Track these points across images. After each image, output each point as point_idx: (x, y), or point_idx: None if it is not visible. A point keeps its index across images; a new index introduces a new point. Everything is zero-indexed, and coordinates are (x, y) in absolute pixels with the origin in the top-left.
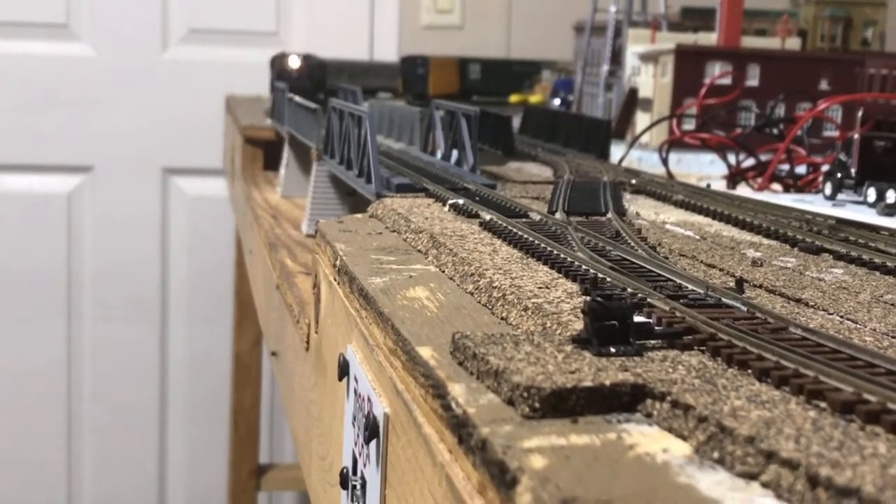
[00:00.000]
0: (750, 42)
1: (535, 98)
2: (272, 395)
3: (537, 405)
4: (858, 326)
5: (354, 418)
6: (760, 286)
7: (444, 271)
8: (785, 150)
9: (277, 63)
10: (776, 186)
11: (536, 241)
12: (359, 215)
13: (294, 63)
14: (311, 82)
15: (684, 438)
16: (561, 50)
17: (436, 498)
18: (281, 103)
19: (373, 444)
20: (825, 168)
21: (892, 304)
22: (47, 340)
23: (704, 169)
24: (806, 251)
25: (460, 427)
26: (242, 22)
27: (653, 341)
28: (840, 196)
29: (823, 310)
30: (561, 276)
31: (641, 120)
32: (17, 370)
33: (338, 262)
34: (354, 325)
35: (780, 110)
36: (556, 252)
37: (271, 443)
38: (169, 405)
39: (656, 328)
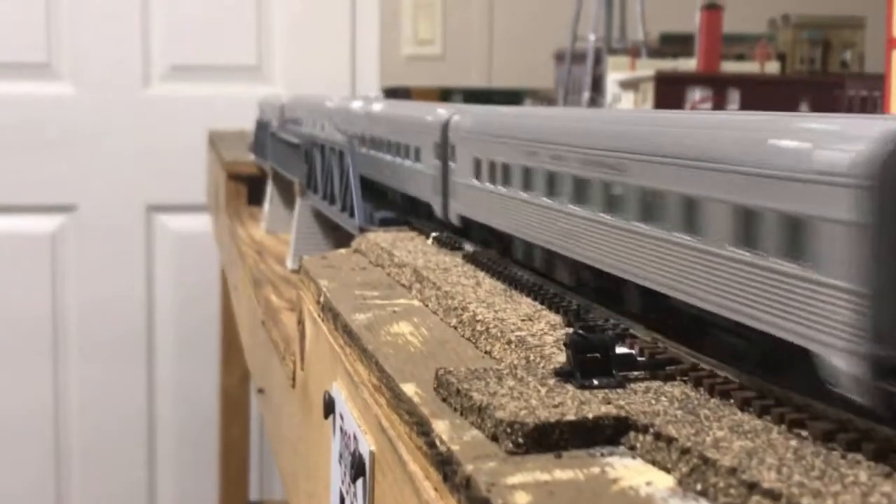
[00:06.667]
0: (729, 67)
1: None
2: (261, 431)
3: (521, 440)
4: None
5: (341, 456)
6: None
7: (427, 305)
8: None
9: None
10: None
11: (519, 273)
12: (342, 250)
13: None
14: None
15: (668, 471)
16: (542, 78)
17: None
18: (264, 138)
19: (359, 482)
20: None
21: None
22: (34, 382)
23: None
24: None
25: (445, 464)
26: (223, 57)
27: (635, 372)
28: None
29: None
30: (544, 307)
31: None
32: (3, 412)
33: (322, 299)
34: (339, 362)
35: None
36: (538, 283)
37: (261, 479)
38: (157, 444)
39: (639, 359)
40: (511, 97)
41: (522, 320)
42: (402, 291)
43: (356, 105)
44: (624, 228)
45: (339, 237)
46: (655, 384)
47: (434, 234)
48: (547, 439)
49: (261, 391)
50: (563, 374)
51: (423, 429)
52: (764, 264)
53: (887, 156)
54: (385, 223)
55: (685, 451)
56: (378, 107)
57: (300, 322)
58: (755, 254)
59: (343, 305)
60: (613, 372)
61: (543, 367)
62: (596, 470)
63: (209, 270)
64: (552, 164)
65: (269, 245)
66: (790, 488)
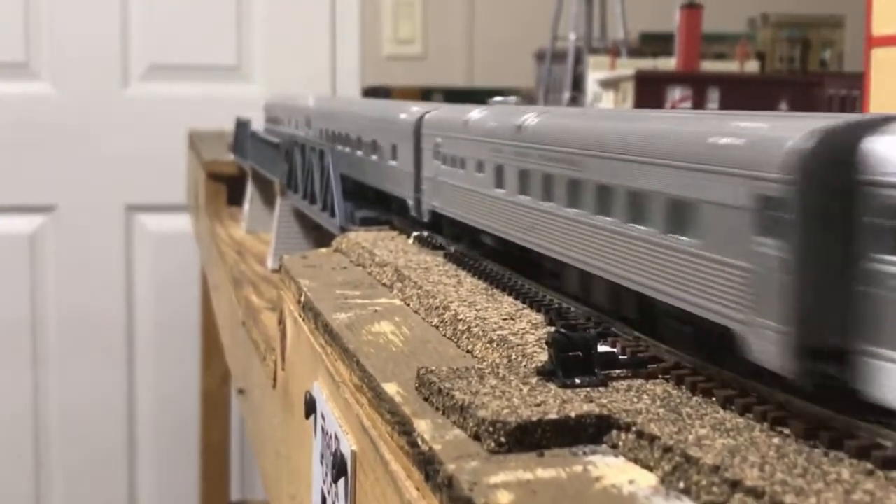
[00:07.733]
0: (709, 66)
1: None
2: (242, 431)
3: (503, 439)
4: None
5: (322, 456)
6: None
7: (409, 305)
8: None
9: None
10: None
11: (500, 272)
12: (323, 250)
13: None
14: None
15: (650, 469)
16: (523, 77)
17: None
18: (244, 138)
19: (341, 482)
20: None
21: None
22: (12, 383)
23: None
24: None
25: (427, 464)
26: (203, 56)
27: (617, 371)
28: None
29: None
30: (526, 306)
31: None
32: None
33: (302, 299)
34: (320, 362)
35: None
36: (520, 282)
37: (242, 479)
38: (138, 445)
39: (620, 357)
40: (493, 97)
41: (504, 319)
42: (384, 291)
43: (477, 116)
44: None
45: (320, 237)
46: (637, 382)
47: (415, 234)
48: (529, 438)
49: (241, 391)
50: (545, 373)
51: (404, 428)
52: None
53: None
54: (366, 222)
55: (667, 450)
56: (534, 119)
57: (281, 322)
58: None
59: (324, 305)
60: (595, 370)
61: (525, 366)
62: (578, 469)
63: (189, 271)
64: None
65: (249, 245)
66: (773, 486)
